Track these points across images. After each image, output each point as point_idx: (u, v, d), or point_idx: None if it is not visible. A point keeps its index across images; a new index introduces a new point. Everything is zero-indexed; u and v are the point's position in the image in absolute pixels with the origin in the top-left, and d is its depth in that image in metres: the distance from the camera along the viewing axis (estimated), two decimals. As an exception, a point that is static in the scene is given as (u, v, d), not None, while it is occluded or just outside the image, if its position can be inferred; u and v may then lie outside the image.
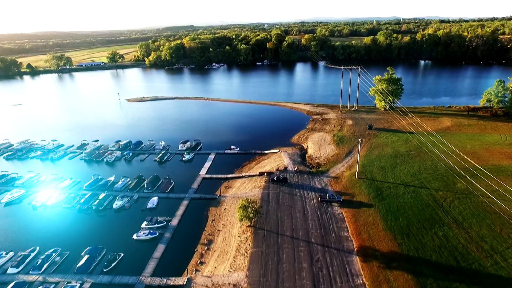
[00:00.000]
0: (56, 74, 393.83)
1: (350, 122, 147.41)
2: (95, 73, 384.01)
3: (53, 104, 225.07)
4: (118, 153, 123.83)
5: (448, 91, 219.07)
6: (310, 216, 75.71)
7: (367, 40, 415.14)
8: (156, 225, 76.56)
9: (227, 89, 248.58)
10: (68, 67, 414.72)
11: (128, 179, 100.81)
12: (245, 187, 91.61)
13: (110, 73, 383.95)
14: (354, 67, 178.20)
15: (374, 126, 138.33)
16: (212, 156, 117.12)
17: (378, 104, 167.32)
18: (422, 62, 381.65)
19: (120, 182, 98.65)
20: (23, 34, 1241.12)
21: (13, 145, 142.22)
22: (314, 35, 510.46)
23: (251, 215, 71.05)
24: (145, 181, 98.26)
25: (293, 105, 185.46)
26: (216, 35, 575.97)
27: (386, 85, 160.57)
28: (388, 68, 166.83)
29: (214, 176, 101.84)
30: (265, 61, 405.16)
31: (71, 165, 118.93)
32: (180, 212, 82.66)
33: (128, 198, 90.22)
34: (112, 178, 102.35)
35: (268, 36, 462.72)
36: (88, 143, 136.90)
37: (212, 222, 78.36)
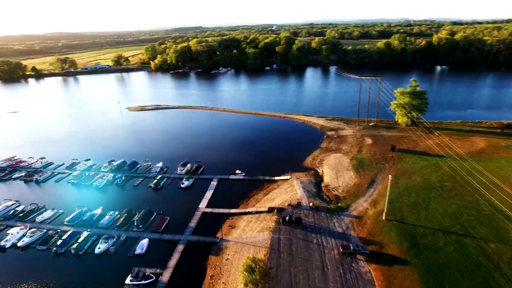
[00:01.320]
0: (61, 77, 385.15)
1: (369, 140, 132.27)
2: (100, 77, 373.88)
3: (51, 111, 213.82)
4: (110, 176, 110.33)
5: (472, 101, 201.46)
6: (331, 276, 61.31)
7: (380, 44, 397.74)
8: (143, 282, 62.91)
9: (234, 97, 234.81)
10: (72, 70, 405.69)
11: (117, 212, 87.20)
12: (252, 229, 77.54)
13: (115, 76, 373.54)
14: (374, 77, 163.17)
15: (397, 146, 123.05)
16: (214, 183, 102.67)
17: (399, 120, 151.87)
18: (439, 67, 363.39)
19: (107, 217, 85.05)
20: (33, 35, 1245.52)
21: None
22: (325, 38, 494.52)
23: (257, 277, 57.22)
24: (136, 216, 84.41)
25: (305, 118, 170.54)
26: (224, 37, 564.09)
27: (409, 98, 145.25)
28: (412, 80, 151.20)
29: (216, 210, 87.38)
30: (274, 66, 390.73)
31: (56, 190, 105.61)
32: (173, 261, 68.67)
33: (114, 239, 76.54)
34: (98, 211, 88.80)
35: (277, 39, 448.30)
36: (79, 162, 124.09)
37: (211, 278, 64.13)
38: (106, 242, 75.00)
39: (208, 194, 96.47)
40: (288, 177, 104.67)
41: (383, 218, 77.62)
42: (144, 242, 75.05)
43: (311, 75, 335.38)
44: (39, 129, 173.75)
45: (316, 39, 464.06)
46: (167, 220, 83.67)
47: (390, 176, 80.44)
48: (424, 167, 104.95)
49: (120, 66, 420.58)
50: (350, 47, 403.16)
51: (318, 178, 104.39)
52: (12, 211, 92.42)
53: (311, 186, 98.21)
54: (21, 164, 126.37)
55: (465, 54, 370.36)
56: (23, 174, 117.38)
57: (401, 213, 79.56)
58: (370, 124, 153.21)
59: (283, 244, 70.89)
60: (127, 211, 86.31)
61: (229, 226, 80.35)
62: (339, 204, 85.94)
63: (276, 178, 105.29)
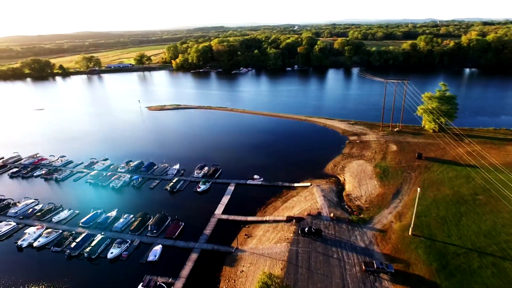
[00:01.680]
0: (86, 75, 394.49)
1: (394, 147, 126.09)
2: (122, 75, 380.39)
3: (74, 109, 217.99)
4: (127, 176, 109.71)
5: (506, 107, 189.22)
6: (353, 296, 57.21)
7: (405, 45, 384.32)
8: (154, 291, 60.94)
9: (254, 98, 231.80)
10: (97, 68, 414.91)
11: (131, 216, 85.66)
12: (269, 239, 74.16)
13: (137, 75, 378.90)
14: (400, 80, 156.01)
15: (424, 154, 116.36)
16: (231, 188, 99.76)
17: (426, 125, 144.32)
18: (468, 70, 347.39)
19: (121, 220, 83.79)
20: (63, 35, 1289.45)
21: (21, 159, 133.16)
22: (347, 38, 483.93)
23: (274, 294, 53.80)
24: (150, 221, 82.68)
25: (326, 122, 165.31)
26: (245, 37, 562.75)
27: (438, 103, 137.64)
28: (441, 84, 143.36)
29: (232, 217, 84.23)
30: (295, 66, 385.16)
31: (73, 189, 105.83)
32: (186, 271, 66.22)
33: (128, 244, 74.99)
34: (113, 213, 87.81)
35: (299, 39, 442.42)
36: (97, 162, 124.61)
37: (224, 291, 61.49)
38: (119, 247, 73.47)
39: (225, 199, 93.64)
40: (308, 184, 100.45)
41: (409, 233, 72.26)
42: (157, 248, 72.98)
43: (333, 77, 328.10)
44: (61, 127, 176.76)
45: (339, 39, 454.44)
46: (181, 226, 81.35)
47: (418, 189, 74.98)
48: (454, 177, 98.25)
49: (142, 65, 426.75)
50: (373, 48, 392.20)
51: (340, 186, 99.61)
52: (30, 210, 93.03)
53: (332, 194, 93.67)
54: (43, 162, 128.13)
55: (498, 56, 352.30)
56: (43, 172, 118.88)
57: (429, 228, 73.95)
58: (395, 130, 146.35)
59: (302, 257, 67.11)
60: (141, 215, 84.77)
61: (245, 235, 77.06)
62: (362, 216, 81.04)
63: (296, 184, 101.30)
